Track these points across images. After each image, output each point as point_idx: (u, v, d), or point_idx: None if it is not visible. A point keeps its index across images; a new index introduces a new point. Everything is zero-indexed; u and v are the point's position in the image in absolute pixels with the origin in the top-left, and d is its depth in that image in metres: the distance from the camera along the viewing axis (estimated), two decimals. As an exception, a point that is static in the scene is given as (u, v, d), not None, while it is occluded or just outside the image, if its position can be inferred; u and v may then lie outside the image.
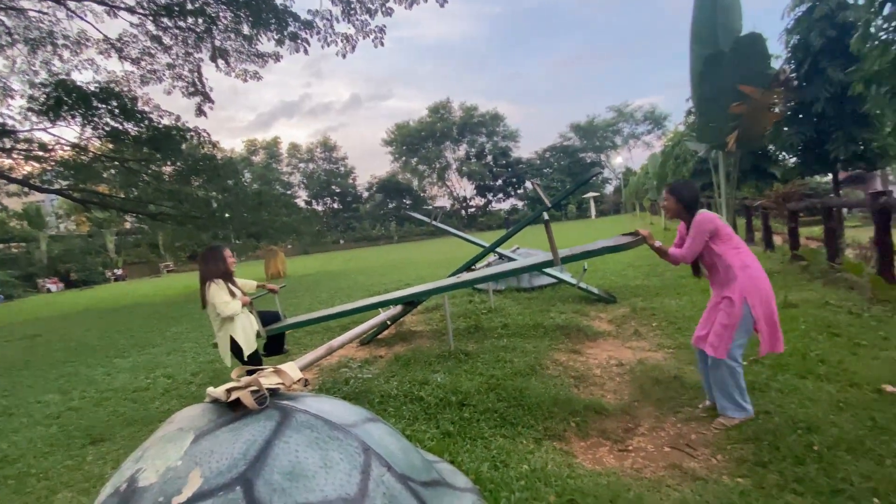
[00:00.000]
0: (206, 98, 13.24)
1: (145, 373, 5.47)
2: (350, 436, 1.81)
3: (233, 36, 13.43)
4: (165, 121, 12.54)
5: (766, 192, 5.96)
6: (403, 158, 61.38)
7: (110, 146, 13.43)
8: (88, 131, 12.46)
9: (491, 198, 63.26)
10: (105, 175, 14.29)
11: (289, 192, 53.12)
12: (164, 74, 13.94)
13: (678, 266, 3.12)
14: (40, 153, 12.71)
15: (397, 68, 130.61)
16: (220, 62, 12.97)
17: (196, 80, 12.88)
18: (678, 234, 2.95)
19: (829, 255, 5.64)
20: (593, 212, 50.97)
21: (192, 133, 12.77)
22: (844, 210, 6.83)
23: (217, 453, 1.65)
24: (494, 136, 61.10)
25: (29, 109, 11.86)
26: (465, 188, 63.25)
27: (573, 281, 6.57)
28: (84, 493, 2.88)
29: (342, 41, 13.25)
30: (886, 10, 4.35)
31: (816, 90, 5.80)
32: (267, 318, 4.02)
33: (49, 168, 13.53)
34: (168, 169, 14.49)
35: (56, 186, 14.10)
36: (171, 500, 1.51)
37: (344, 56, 13.53)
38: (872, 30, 4.13)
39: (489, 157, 61.16)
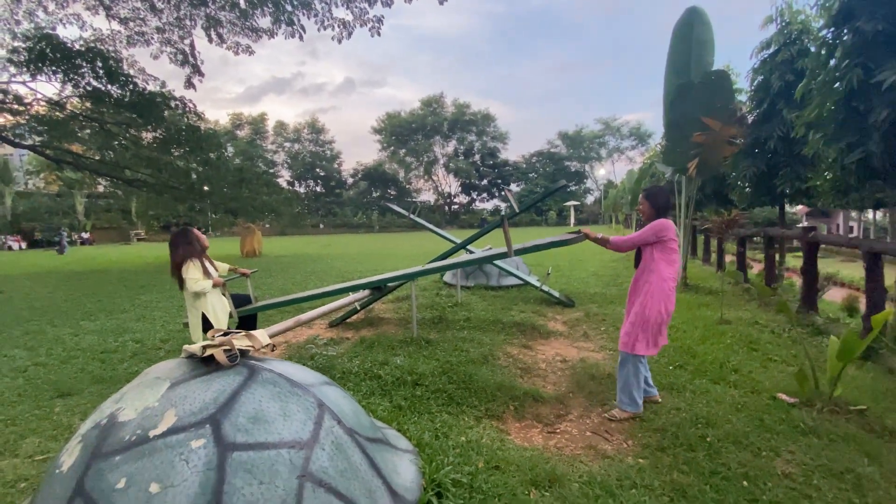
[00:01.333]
0: (197, 70, 13.10)
1: (114, 336, 5.59)
2: (308, 393, 2.11)
3: (227, 7, 13.32)
4: (151, 86, 12.36)
5: (712, 217, 6.48)
6: (392, 148, 61.15)
7: (89, 106, 13.13)
8: (69, 89, 12.21)
9: (475, 196, 63.76)
10: (81, 135, 13.98)
11: (271, 171, 52.30)
12: (152, 38, 13.71)
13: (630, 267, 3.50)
14: (15, 106, 12.36)
15: (393, 56, 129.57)
16: (213, 32, 12.85)
17: (189, 52, 12.72)
18: None
19: (767, 280, 6.19)
20: (573, 219, 52.05)
21: (178, 102, 12.63)
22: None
23: (190, 398, 1.92)
24: (484, 136, 61.53)
25: (9, 61, 11.53)
26: (451, 184, 63.56)
27: (537, 283, 6.97)
28: (52, 440, 3.06)
29: (339, 26, 13.31)
30: (832, 64, 4.84)
31: (771, 128, 6.34)
32: (239, 300, 4.19)
33: (23, 122, 13.17)
34: (148, 135, 14.28)
35: (29, 142, 13.73)
36: (149, 432, 1.79)
37: (340, 42, 13.58)
38: (814, 83, 4.61)
39: (477, 156, 61.58)
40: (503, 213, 3.84)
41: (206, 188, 15.43)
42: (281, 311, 6.78)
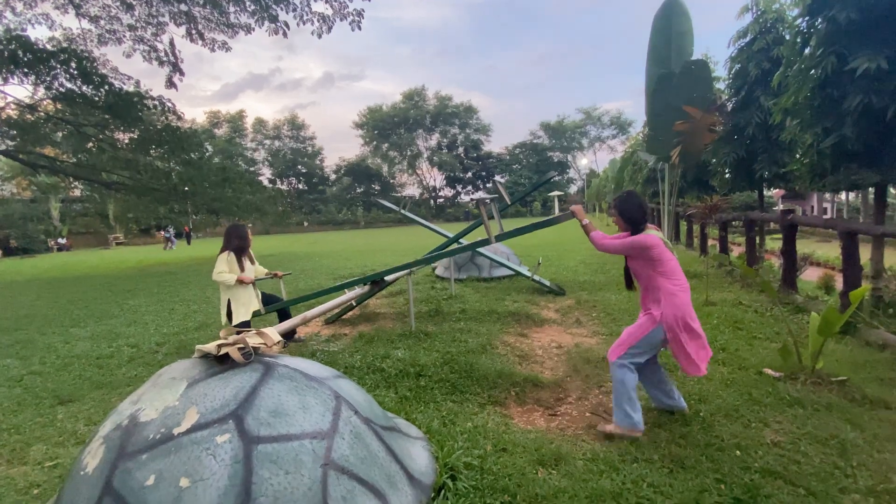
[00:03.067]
0: (177, 69, 12.81)
1: (107, 342, 5.53)
2: (324, 385, 2.17)
3: (203, 3, 13.03)
4: (126, 86, 12.05)
5: (694, 203, 6.70)
6: (374, 143, 60.70)
7: (62, 108, 12.76)
8: (41, 91, 11.83)
9: (461, 189, 63.78)
10: (55, 138, 13.58)
11: (252, 170, 51.49)
12: (124, 35, 13.34)
13: (621, 262, 3.20)
14: (-17, 110, 11.95)
15: (372, 48, 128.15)
16: (192, 29, 12.57)
17: (169, 50, 12.42)
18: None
19: (749, 262, 6.45)
20: (557, 209, 52.51)
21: (156, 102, 12.35)
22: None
23: (210, 396, 1.97)
24: (467, 129, 61.48)
25: (-25, 63, 11.10)
26: (436, 178, 63.45)
27: (528, 273, 7.10)
28: (59, 446, 3.06)
29: (319, 20, 13.15)
30: (807, 52, 5.04)
31: (749, 115, 6.56)
32: (266, 298, 4.73)
33: (-8, 126, 12.72)
34: (125, 136, 13.94)
35: (1, 146, 13.29)
36: (173, 430, 1.84)
37: (320, 36, 13.40)
38: (790, 71, 4.79)
39: (461, 149, 61.55)
40: (481, 198, 3.94)
41: (187, 189, 15.15)
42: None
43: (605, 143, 61.75)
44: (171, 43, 12.57)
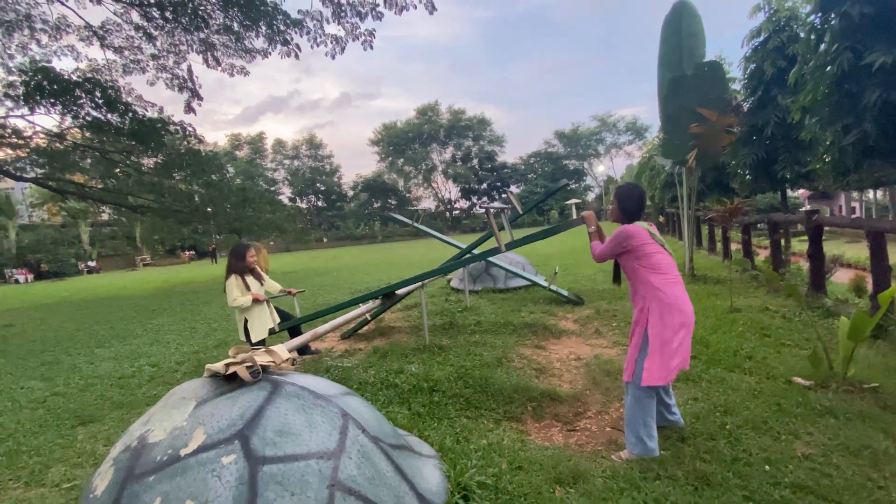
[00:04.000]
0: (195, 94, 13.27)
1: (129, 362, 5.65)
2: (331, 404, 2.15)
3: (221, 31, 13.53)
4: (150, 113, 12.54)
5: (714, 207, 6.53)
6: (390, 159, 61.47)
7: (89, 135, 13.32)
8: (69, 120, 12.39)
9: (476, 201, 63.84)
10: (83, 164, 14.16)
11: (272, 189, 52.68)
12: (147, 65, 13.92)
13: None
14: (14, 139, 12.54)
15: (387, 67, 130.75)
16: (209, 56, 13.04)
17: (187, 76, 12.90)
18: None
19: (774, 265, 6.21)
20: (574, 217, 52.03)
21: (177, 127, 12.80)
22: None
23: (217, 416, 1.97)
24: (481, 140, 61.78)
25: (5, 95, 11.71)
26: (451, 190, 63.74)
27: (545, 283, 7.00)
28: (77, 467, 3.11)
29: (332, 42, 13.49)
30: (822, 48, 4.89)
31: (767, 115, 6.39)
32: (280, 315, 4.76)
33: (23, 155, 13.34)
34: (149, 161, 14.45)
35: (31, 175, 13.91)
36: (180, 451, 1.83)
37: (333, 57, 13.74)
38: (806, 68, 4.66)
39: (475, 161, 61.80)
40: (490, 206, 3.89)
41: (209, 210, 15.58)
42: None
43: (621, 149, 61.08)
44: (190, 69, 13.05)
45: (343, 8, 13.02)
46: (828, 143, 4.73)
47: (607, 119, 59.81)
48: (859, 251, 12.44)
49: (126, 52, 13.50)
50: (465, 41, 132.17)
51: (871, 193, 28.46)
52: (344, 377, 4.18)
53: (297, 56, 12.27)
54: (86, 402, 4.34)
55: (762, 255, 9.08)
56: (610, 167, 61.63)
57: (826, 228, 5.33)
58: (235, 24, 12.96)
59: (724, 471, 2.34)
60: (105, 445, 3.30)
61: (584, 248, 16.78)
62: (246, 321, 4.34)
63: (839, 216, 24.52)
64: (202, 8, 12.17)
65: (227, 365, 2.18)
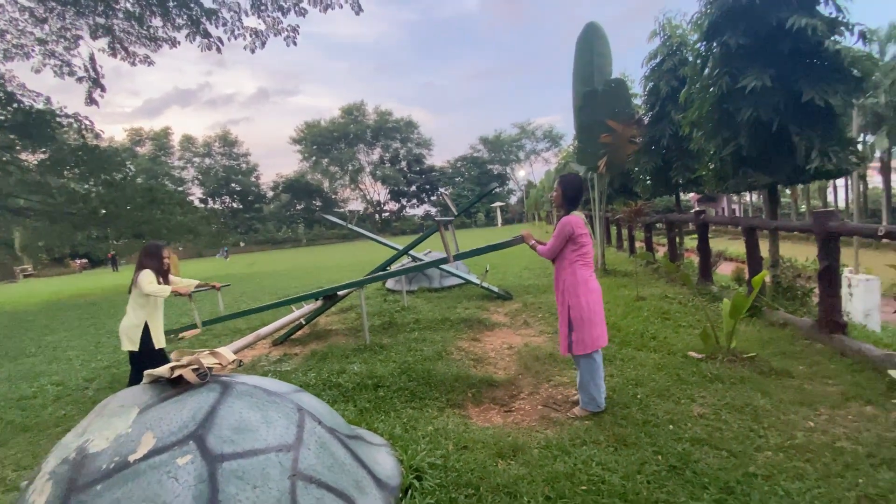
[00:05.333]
0: (97, 85, 11.87)
1: (27, 382, 5.00)
2: (286, 399, 2.19)
3: (122, 15, 12.28)
4: (38, 104, 11.03)
5: (621, 208, 7.38)
6: (313, 158, 59.42)
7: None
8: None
9: (405, 203, 63.91)
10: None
11: (181, 189, 48.39)
12: (32, 50, 12.24)
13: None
14: None
15: (307, 63, 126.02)
16: (109, 43, 11.77)
17: (89, 65, 11.52)
18: None
19: (671, 259, 7.13)
20: (500, 220, 54.14)
21: (71, 120, 11.39)
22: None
23: (166, 419, 1.94)
24: (409, 143, 62.01)
25: None
26: (380, 192, 63.16)
27: (477, 281, 7.34)
28: (-21, 498, 2.77)
29: (251, 35, 12.85)
30: (706, 72, 5.75)
31: (663, 128, 7.34)
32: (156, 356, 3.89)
33: None
34: (34, 158, 12.68)
35: None
36: (128, 458, 1.79)
37: (253, 51, 13.11)
38: (694, 89, 5.47)
39: (403, 163, 61.86)
40: (438, 217, 4.11)
41: (103, 211, 13.98)
42: (217, 336, 6.47)
43: (539, 155, 64.82)
44: (92, 58, 11.69)
45: (263, 1, 12.49)
46: (711, 153, 5.58)
47: (527, 127, 63.18)
48: (740, 246, 14.52)
49: (7, 36, 11.74)
50: (391, 42, 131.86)
51: (747, 196, 33.07)
52: (283, 381, 4.10)
53: (218, 50, 11.52)
54: (-23, 429, 3.81)
55: (661, 250, 10.29)
56: (530, 172, 65.07)
57: (711, 226, 6.25)
58: (139, 9, 11.86)
59: (638, 432, 2.73)
60: (16, 471, 2.96)
61: (510, 249, 17.63)
62: (147, 326, 3.76)
63: (722, 216, 28.23)
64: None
65: (173, 368, 2.13)
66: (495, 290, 7.24)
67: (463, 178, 62.42)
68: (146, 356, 3.67)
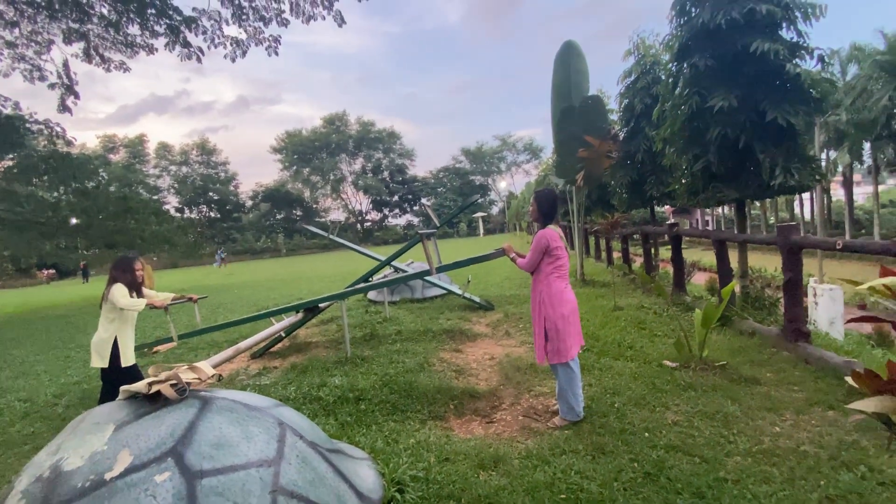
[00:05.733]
0: (71, 91, 11.56)
1: (-11, 399, 4.79)
2: (266, 414, 2.19)
3: (96, 20, 12.06)
4: (6, 110, 10.68)
5: (599, 220, 7.62)
6: (294, 167, 58.92)
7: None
8: None
9: (387, 213, 63.82)
10: None
11: (156, 198, 47.23)
12: (0, 53, 11.89)
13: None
14: None
15: (288, 72, 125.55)
16: (84, 48, 11.53)
17: (63, 72, 11.22)
18: None
19: (647, 270, 7.34)
20: (481, 230, 54.53)
21: (42, 126, 11.07)
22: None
23: (143, 436, 1.92)
24: (391, 153, 62.20)
25: None
26: (362, 202, 62.95)
27: (459, 292, 7.39)
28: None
29: (231, 44, 12.78)
30: (677, 91, 6.00)
31: (638, 143, 7.61)
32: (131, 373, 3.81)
33: None
34: (2, 166, 12.24)
35: None
36: (104, 476, 1.76)
37: (234, 60, 13.05)
38: (666, 107, 5.71)
39: (385, 173, 61.94)
40: (420, 230, 4.18)
41: (73, 221, 13.56)
42: (193, 349, 6.33)
43: (520, 167, 65.88)
44: (66, 64, 11.41)
45: (245, 10, 12.46)
46: (683, 168, 5.81)
47: (508, 139, 64.23)
48: (713, 257, 14.98)
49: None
50: (374, 54, 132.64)
51: (720, 209, 34.15)
52: (263, 395, 4.05)
53: (199, 59, 11.40)
54: (-66, 450, 3.63)
55: (638, 261, 10.55)
56: (511, 183, 65.98)
57: (685, 238, 6.47)
58: (115, 15, 11.67)
59: (615, 440, 2.81)
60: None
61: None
62: (116, 342, 3.63)
63: (694, 228, 29.11)
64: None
65: (150, 384, 2.10)
66: (477, 300, 7.30)
67: (445, 188, 62.84)
68: (117, 372, 3.57)
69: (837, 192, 35.62)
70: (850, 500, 2.14)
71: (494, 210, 65.10)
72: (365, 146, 60.47)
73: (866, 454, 2.46)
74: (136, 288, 3.75)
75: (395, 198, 62.77)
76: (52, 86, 11.39)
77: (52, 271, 35.34)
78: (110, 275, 3.75)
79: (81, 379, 5.35)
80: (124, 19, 12.01)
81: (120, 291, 3.60)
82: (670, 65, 6.06)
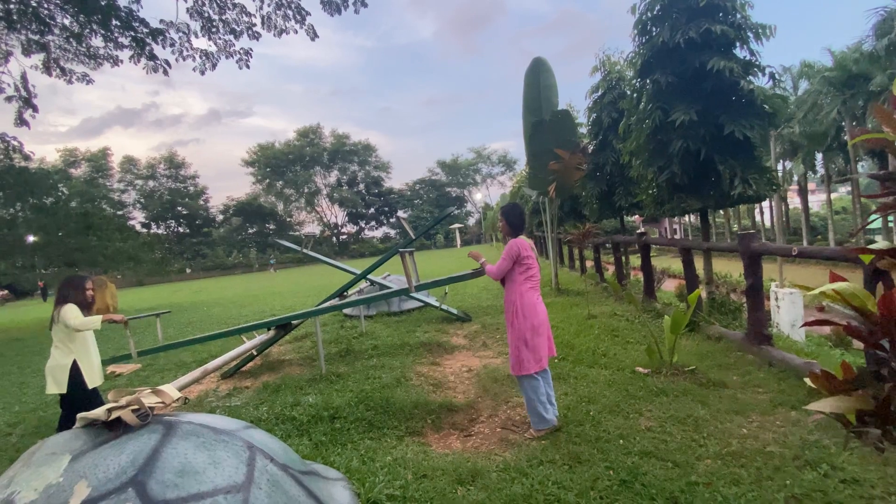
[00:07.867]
0: (29, 104, 11.07)
1: (-68, 432, 4.45)
2: (235, 437, 2.11)
3: (57, 31, 11.66)
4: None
5: (571, 231, 7.82)
6: (267, 181, 57.94)
7: None
8: None
9: (364, 225, 63.38)
10: None
11: (120, 213, 45.53)
12: (-49, 65, 11.33)
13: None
14: None
15: (260, 85, 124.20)
16: (37, 58, 11.11)
17: (21, 84, 10.75)
18: None
19: (618, 278, 7.53)
20: (459, 241, 54.72)
21: (-3, 140, 10.56)
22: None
23: (102, 466, 1.82)
24: (367, 166, 62.03)
25: None
26: (337, 215, 62.34)
27: (437, 304, 7.37)
28: None
29: (201, 57, 12.58)
30: (641, 106, 6.24)
31: (606, 156, 7.87)
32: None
33: None
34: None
35: None
36: (58, 510, 1.63)
37: (203, 73, 12.85)
38: (631, 121, 5.94)
39: (361, 186, 61.66)
40: (398, 243, 4.18)
41: (31, 238, 12.93)
42: (158, 371, 6.07)
43: (495, 179, 66.78)
44: (24, 76, 10.95)
45: (214, 24, 12.30)
46: (649, 179, 6.01)
47: (482, 151, 65.10)
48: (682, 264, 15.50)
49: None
50: (346, 68, 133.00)
51: (686, 218, 35.40)
52: (233, 416, 3.91)
53: (165, 73, 11.15)
54: None
55: (610, 269, 10.80)
56: (486, 195, 66.75)
57: (653, 246, 6.67)
58: (78, 27, 11.33)
59: (591, 449, 2.83)
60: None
61: (466, 269, 17.85)
62: (75, 364, 3.46)
63: (662, 237, 30.06)
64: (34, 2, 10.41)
65: (110, 410, 2.00)
66: (454, 311, 7.29)
67: (422, 200, 63.00)
68: (78, 397, 3.40)
69: (794, 201, 37.57)
70: (814, 497, 2.22)
71: (471, 221, 65.62)
72: (340, 159, 60.15)
73: (828, 452, 2.56)
74: (87, 307, 3.59)
75: (372, 210, 62.49)
76: (9, 98, 10.89)
77: (5, 292, 33.44)
78: (59, 294, 3.58)
79: (37, 405, 5.05)
80: (87, 31, 11.69)
81: (72, 312, 3.44)
82: (634, 81, 6.31)
